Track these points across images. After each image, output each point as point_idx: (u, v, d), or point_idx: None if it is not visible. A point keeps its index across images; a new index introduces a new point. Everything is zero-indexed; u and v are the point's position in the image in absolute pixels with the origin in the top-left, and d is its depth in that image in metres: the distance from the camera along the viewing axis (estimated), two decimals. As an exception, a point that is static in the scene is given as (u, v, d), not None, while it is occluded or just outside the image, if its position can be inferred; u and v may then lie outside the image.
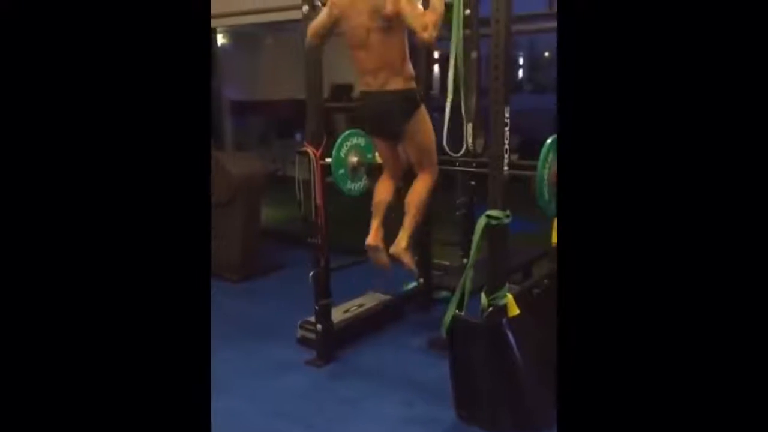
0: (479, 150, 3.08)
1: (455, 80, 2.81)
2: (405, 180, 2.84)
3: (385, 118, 2.57)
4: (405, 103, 2.52)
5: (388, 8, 2.33)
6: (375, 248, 2.72)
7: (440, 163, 3.07)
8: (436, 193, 3.23)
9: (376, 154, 3.25)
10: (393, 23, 2.37)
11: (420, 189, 2.69)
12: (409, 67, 2.51)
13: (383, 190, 2.81)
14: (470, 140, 3.01)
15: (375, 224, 2.74)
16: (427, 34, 2.28)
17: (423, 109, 2.58)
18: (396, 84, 2.48)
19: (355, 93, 2.69)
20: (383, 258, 2.73)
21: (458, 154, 2.95)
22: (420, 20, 2.29)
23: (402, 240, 2.67)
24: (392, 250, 2.68)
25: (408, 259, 2.71)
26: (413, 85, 2.54)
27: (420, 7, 2.38)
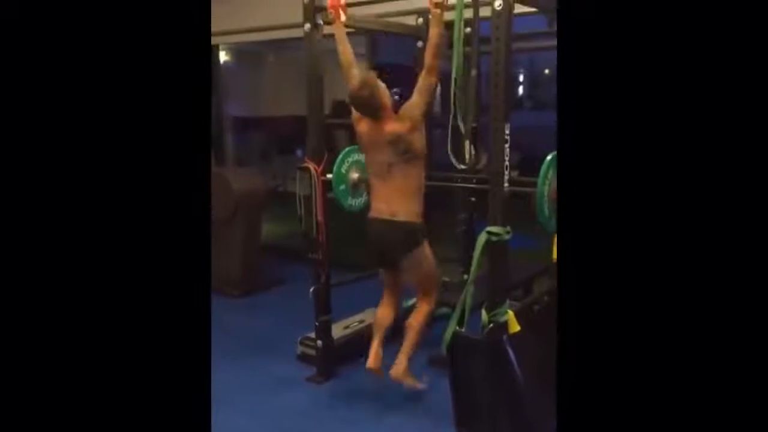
0: (481, 165, 3.09)
1: (456, 97, 2.83)
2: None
3: (387, 248, 2.69)
4: (408, 237, 2.64)
5: (416, 140, 2.54)
6: (374, 371, 2.82)
7: (440, 179, 3.09)
8: (436, 209, 3.25)
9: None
10: (413, 154, 2.55)
11: (421, 315, 2.82)
12: (420, 202, 2.65)
13: (384, 314, 2.92)
14: (468, 156, 3.02)
15: (374, 347, 2.85)
16: (432, 79, 2.52)
17: (426, 244, 2.70)
18: (403, 215, 2.61)
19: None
20: (381, 375, 2.82)
21: (461, 168, 2.97)
22: (424, 85, 2.52)
23: (401, 363, 2.77)
24: (391, 373, 2.77)
25: (409, 381, 2.79)
26: (419, 220, 2.66)
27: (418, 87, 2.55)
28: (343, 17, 2.77)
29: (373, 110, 2.57)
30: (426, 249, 2.71)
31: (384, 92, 2.59)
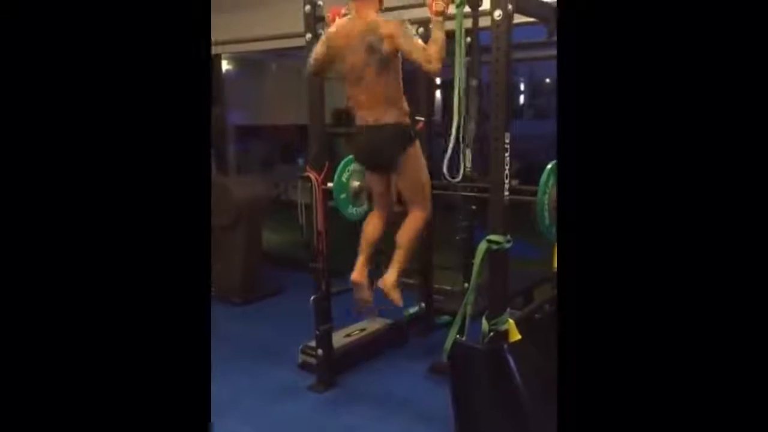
0: (476, 175, 3.10)
1: (459, 106, 2.84)
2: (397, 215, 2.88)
3: (379, 150, 2.63)
4: (399, 137, 2.58)
5: (386, 46, 2.43)
6: (359, 284, 2.78)
7: (440, 188, 3.09)
8: (436, 218, 3.24)
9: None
10: (389, 59, 2.47)
11: (411, 225, 2.73)
12: (404, 102, 2.59)
13: (372, 228, 2.85)
14: (468, 165, 3.03)
15: (361, 260, 2.81)
16: (432, 66, 2.37)
17: (417, 144, 2.64)
18: (390, 118, 2.56)
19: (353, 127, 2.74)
20: (366, 294, 2.80)
21: (456, 179, 2.96)
22: (423, 54, 2.38)
23: (391, 275, 2.72)
24: (380, 283, 2.73)
25: (395, 295, 2.75)
26: (407, 119, 2.61)
27: (418, 40, 2.47)
28: None
29: None
30: (417, 149, 2.66)
31: None
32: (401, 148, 2.59)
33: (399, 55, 2.48)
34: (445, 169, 2.80)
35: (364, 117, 2.61)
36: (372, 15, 2.53)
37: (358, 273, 2.78)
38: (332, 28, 2.63)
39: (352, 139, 2.75)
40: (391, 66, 2.50)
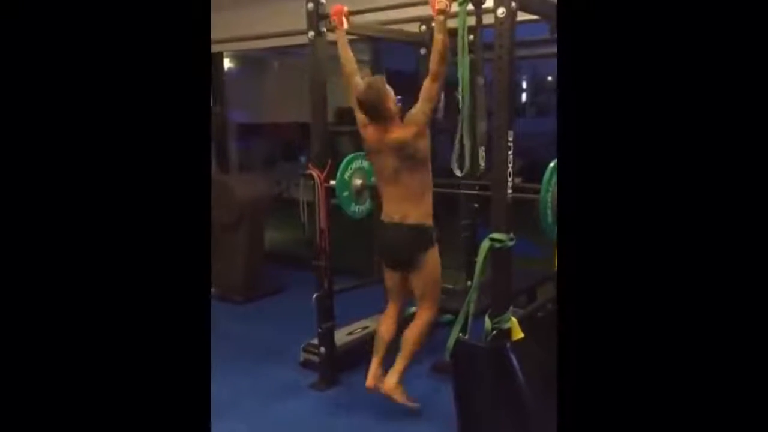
0: (482, 173, 3.09)
1: (464, 104, 2.84)
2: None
3: (401, 249, 2.69)
4: (421, 237, 2.65)
5: (419, 148, 2.54)
6: (375, 390, 2.78)
7: (444, 185, 3.08)
8: (439, 215, 3.24)
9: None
10: (422, 161, 2.58)
11: (419, 325, 2.77)
12: (429, 204, 2.67)
13: (387, 327, 2.88)
14: (483, 163, 3.03)
15: (375, 363, 2.82)
16: (438, 73, 2.49)
17: (436, 247, 2.71)
18: (414, 218, 2.63)
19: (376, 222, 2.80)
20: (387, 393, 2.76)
21: (464, 175, 2.96)
22: (428, 90, 2.52)
23: (392, 377, 2.74)
24: (383, 387, 2.73)
25: (399, 397, 2.74)
26: (430, 221, 2.68)
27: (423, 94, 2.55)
28: (345, 25, 2.78)
29: (379, 113, 2.58)
30: (436, 252, 2.72)
31: (391, 96, 2.60)
32: (423, 249, 2.66)
33: (428, 155, 2.61)
34: (455, 165, 2.81)
35: (390, 213, 2.68)
36: (395, 129, 2.58)
37: (373, 378, 2.79)
38: (364, 134, 2.69)
39: (377, 233, 2.83)
40: (423, 167, 2.61)
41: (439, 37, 2.44)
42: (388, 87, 2.60)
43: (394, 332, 2.87)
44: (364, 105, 2.60)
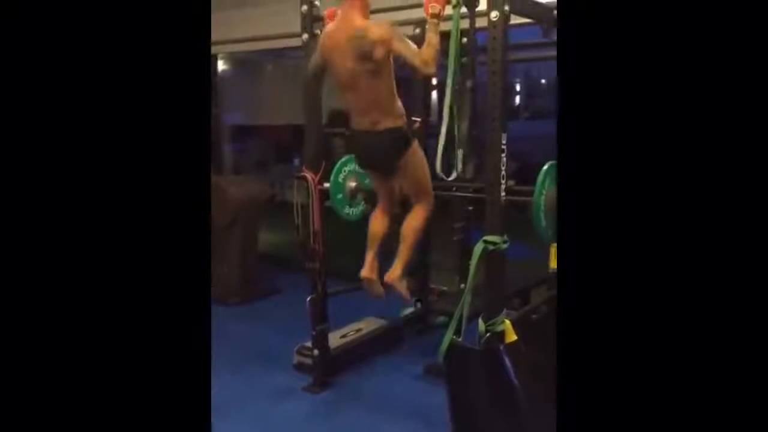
0: (469, 175, 3.10)
1: (451, 107, 2.84)
2: (402, 208, 2.88)
3: (377, 156, 2.64)
4: (396, 142, 2.58)
5: (378, 52, 2.37)
6: (370, 280, 2.78)
7: (437, 188, 3.08)
8: (433, 218, 3.24)
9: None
10: (382, 65, 2.43)
11: (415, 219, 2.75)
12: (398, 106, 2.58)
13: (378, 223, 2.86)
14: (460, 165, 3.03)
15: (369, 257, 2.81)
16: (428, 69, 2.38)
17: (416, 144, 2.64)
18: (386, 123, 2.54)
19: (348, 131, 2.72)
20: (378, 289, 2.80)
21: (450, 179, 2.96)
22: (419, 58, 2.38)
23: (396, 269, 2.75)
24: (386, 278, 2.75)
25: (402, 288, 2.79)
26: (402, 123, 2.60)
27: (411, 44, 2.45)
28: None
29: None
30: (416, 150, 2.66)
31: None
32: (399, 152, 2.60)
33: (391, 59, 2.45)
34: (438, 169, 2.81)
35: (360, 122, 2.60)
36: (359, 20, 2.46)
37: (368, 269, 2.79)
38: (322, 36, 2.62)
39: (349, 142, 2.77)
40: (384, 71, 2.46)
41: (432, 37, 2.40)
42: None
43: (386, 227, 2.86)
44: None
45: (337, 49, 2.48)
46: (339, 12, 2.58)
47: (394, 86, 2.55)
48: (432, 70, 2.40)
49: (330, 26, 2.60)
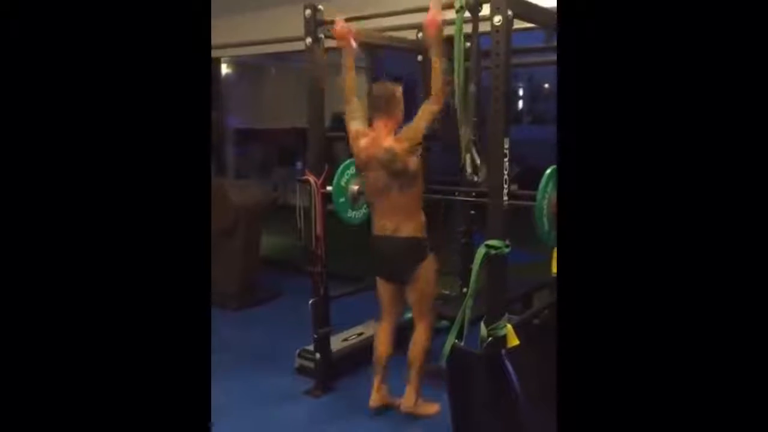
0: (477, 180, 3.09)
1: (464, 112, 2.84)
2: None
3: (395, 262, 2.69)
4: (415, 250, 2.65)
5: (410, 168, 2.54)
6: (380, 408, 2.81)
7: (440, 192, 3.09)
8: (435, 222, 3.23)
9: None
10: (412, 178, 2.58)
11: (420, 341, 2.77)
12: (422, 216, 2.68)
13: (383, 343, 2.85)
14: (469, 170, 3.02)
15: (376, 382, 2.83)
16: (441, 99, 2.52)
17: (431, 258, 2.69)
18: (407, 231, 2.63)
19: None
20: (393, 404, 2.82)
21: (470, 181, 2.95)
22: (428, 108, 2.52)
23: (410, 396, 2.76)
24: (403, 408, 2.78)
25: (422, 410, 2.78)
26: (424, 233, 2.67)
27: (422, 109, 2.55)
28: (353, 44, 2.75)
29: (388, 107, 2.62)
30: (431, 263, 2.71)
31: (399, 98, 2.65)
32: (417, 261, 2.65)
33: (419, 172, 2.61)
34: (468, 171, 2.82)
35: (383, 226, 2.66)
36: (389, 139, 2.57)
37: (378, 397, 2.82)
38: (356, 149, 2.67)
39: (370, 247, 2.77)
40: (414, 183, 2.61)
41: (436, 60, 2.47)
42: (399, 92, 2.67)
43: (391, 349, 2.86)
44: (376, 98, 2.64)
45: (371, 163, 2.62)
46: (373, 128, 2.66)
47: (421, 197, 2.69)
48: (443, 97, 2.51)
49: (364, 142, 2.65)
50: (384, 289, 2.82)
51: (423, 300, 2.75)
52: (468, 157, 2.99)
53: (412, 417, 2.77)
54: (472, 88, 3.09)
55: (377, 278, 2.82)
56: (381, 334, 2.88)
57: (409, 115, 2.66)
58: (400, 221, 2.62)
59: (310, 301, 3.07)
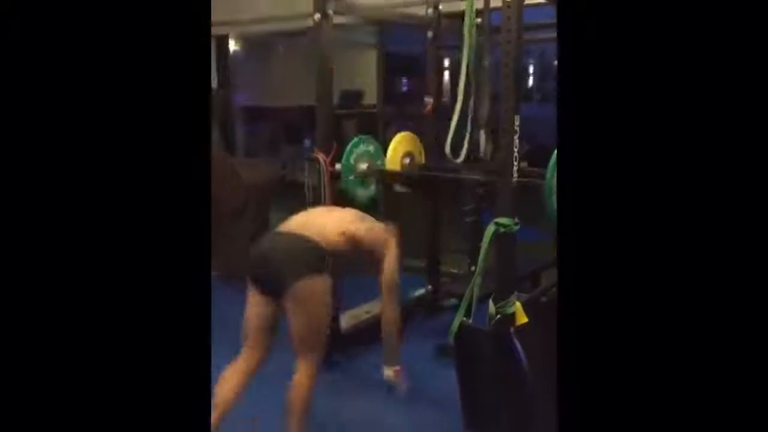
0: (488, 157, 3.08)
1: (466, 87, 2.82)
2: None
3: (275, 260, 2.12)
4: (307, 253, 2.08)
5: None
6: None
7: (449, 170, 3.07)
8: (443, 201, 3.18)
9: (386, 160, 3.27)
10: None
11: (301, 383, 2.13)
12: (344, 228, 2.26)
13: (226, 389, 2.14)
14: (483, 146, 3.01)
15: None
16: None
17: (325, 278, 2.09)
18: (313, 232, 2.14)
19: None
20: None
21: (459, 161, 2.95)
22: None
23: None
24: None
25: None
26: (329, 246, 2.14)
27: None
28: None
29: None
30: (323, 283, 2.07)
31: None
32: (304, 269, 2.03)
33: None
34: (447, 150, 2.78)
35: (288, 224, 2.28)
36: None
37: None
38: None
39: (253, 246, 2.29)
40: None
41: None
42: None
43: (239, 390, 2.20)
44: None
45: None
46: None
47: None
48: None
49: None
50: (255, 304, 2.18)
51: (309, 331, 2.11)
52: (482, 133, 2.98)
53: (419, 393, 2.79)
54: (486, 62, 3.06)
55: (250, 291, 2.21)
56: (229, 377, 2.16)
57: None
58: (316, 223, 2.19)
59: (319, 279, 3.07)
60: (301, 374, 2.12)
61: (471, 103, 2.96)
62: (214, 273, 4.69)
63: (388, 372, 2.45)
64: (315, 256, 2.08)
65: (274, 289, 2.09)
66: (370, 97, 5.53)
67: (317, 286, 2.07)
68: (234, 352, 2.29)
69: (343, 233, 2.19)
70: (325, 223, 2.22)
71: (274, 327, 2.11)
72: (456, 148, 2.98)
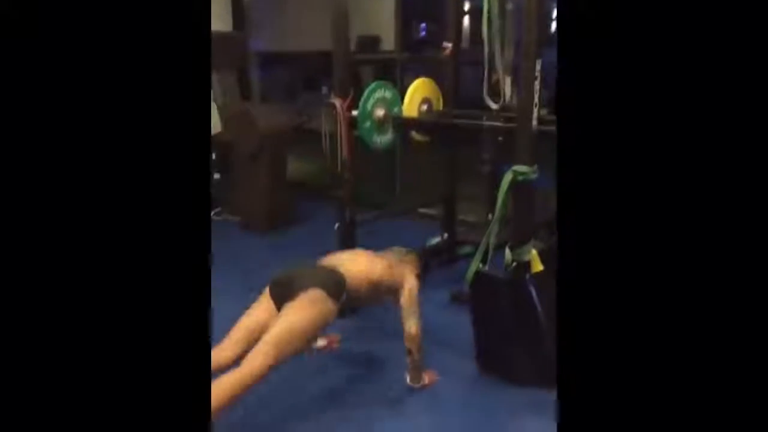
0: (513, 103, 3.03)
1: (489, 32, 2.75)
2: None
3: (299, 277, 2.22)
4: (322, 273, 2.26)
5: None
6: None
7: (468, 117, 3.02)
8: (461, 149, 3.13)
9: (403, 106, 3.23)
10: None
11: (228, 382, 1.87)
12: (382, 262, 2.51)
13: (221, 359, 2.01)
14: (508, 93, 2.95)
15: None
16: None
17: (335, 306, 2.20)
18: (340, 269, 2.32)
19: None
20: None
21: (497, 107, 2.90)
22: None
23: None
24: None
25: None
26: (344, 278, 2.27)
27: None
28: None
29: None
30: (330, 304, 2.16)
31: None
32: (310, 282, 2.17)
33: None
34: (487, 98, 2.72)
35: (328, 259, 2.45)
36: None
37: None
38: None
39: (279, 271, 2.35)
40: None
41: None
42: None
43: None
44: None
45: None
46: None
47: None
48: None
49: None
50: (254, 308, 2.22)
51: (278, 333, 2.01)
52: (508, 80, 2.92)
53: (435, 341, 2.83)
54: (509, 5, 2.97)
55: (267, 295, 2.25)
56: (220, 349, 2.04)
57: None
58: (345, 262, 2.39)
59: (336, 225, 3.10)
60: (243, 369, 1.93)
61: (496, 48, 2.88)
62: (235, 218, 4.75)
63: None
64: (335, 281, 2.24)
65: (285, 295, 2.17)
66: (387, 44, 5.43)
67: (321, 299, 2.16)
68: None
69: (370, 281, 2.39)
70: (351, 269, 2.35)
71: (258, 338, 2.02)
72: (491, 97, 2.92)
